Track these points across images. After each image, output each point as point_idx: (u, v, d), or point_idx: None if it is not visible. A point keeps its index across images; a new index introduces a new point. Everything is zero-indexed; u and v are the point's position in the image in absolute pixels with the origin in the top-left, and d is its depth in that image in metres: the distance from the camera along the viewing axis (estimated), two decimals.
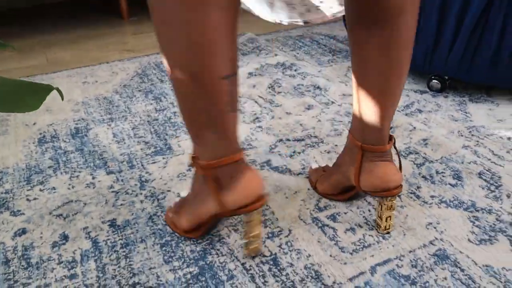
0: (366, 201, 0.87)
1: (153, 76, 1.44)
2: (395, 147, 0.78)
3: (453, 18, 1.14)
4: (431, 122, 1.14)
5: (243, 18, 1.95)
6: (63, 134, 1.13)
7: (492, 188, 0.90)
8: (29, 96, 0.70)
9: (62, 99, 0.66)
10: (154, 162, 1.00)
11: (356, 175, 0.78)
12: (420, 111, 1.19)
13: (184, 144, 1.07)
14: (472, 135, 1.07)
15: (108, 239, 0.80)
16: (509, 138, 1.05)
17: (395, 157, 0.90)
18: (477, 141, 1.05)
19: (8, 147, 1.09)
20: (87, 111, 1.24)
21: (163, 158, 1.02)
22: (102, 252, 0.77)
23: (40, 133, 1.14)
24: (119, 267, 0.74)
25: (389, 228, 0.80)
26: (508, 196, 0.87)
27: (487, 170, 0.95)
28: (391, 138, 0.77)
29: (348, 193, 0.86)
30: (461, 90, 1.29)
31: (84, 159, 1.03)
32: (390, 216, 0.78)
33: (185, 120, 0.67)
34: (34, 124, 1.19)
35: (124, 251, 0.77)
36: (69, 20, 2.11)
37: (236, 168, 0.67)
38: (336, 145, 1.05)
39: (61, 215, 0.86)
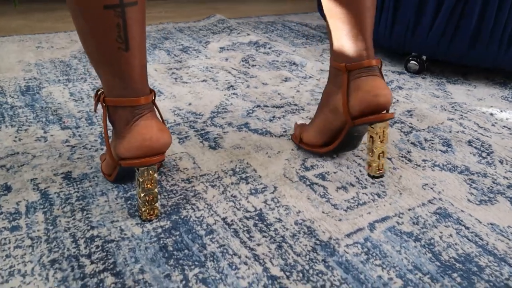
0: (356, 162, 0.79)
1: None
2: (380, 72, 0.70)
3: None
4: (412, 97, 1.09)
5: (211, 5, 1.87)
6: (11, 90, 0.99)
7: (484, 155, 0.85)
8: None
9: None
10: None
11: (344, 98, 0.69)
12: (400, 88, 1.14)
13: None
14: (455, 109, 1.03)
15: (61, 192, 0.67)
16: (491, 114, 1.02)
17: None
18: (461, 115, 1.00)
19: None
20: (40, 72, 1.10)
21: None
22: (53, 204, 0.65)
23: None
24: (74, 219, 0.62)
25: (382, 170, 0.71)
26: (501, 162, 0.83)
27: (476, 139, 0.90)
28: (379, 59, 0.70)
29: (336, 140, 0.75)
30: (438, 73, 1.26)
31: (35, 115, 0.89)
32: (383, 152, 0.70)
33: (87, 55, 0.60)
34: None
35: (80, 204, 0.65)
36: None
37: (134, 114, 0.58)
38: None
39: (4, 166, 0.73)
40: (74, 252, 0.56)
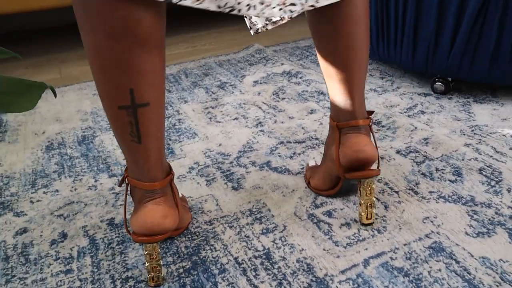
0: None
1: None
2: (371, 130, 0.79)
3: (452, 17, 1.14)
4: (433, 122, 1.13)
5: (249, 32, 1.98)
6: (70, 141, 1.17)
7: (493, 183, 0.88)
8: (23, 95, 0.73)
9: (55, 96, 0.69)
10: None
11: (336, 153, 0.78)
12: (422, 112, 1.18)
13: (186, 148, 1.08)
14: (475, 133, 1.06)
15: (105, 237, 0.81)
16: None
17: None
18: (479, 139, 1.03)
19: (17, 154, 1.12)
20: (95, 120, 1.27)
21: None
22: (98, 248, 0.79)
23: (48, 141, 1.18)
24: (113, 262, 0.75)
25: (370, 218, 0.78)
26: (509, 191, 0.86)
27: (488, 166, 0.93)
28: (368, 117, 0.79)
29: (337, 186, 0.85)
30: (466, 91, 1.28)
31: (89, 164, 1.05)
32: (370, 204, 0.77)
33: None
34: (43, 133, 1.22)
35: (119, 248, 0.78)
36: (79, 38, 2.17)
37: (144, 196, 0.66)
38: None
39: (62, 215, 0.88)
40: None
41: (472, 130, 1.07)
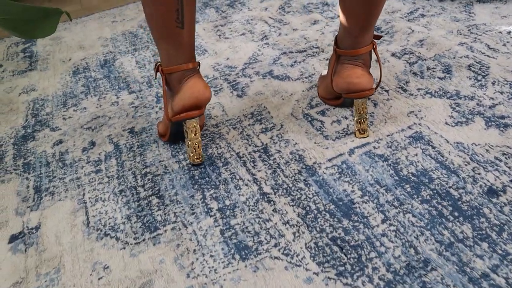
0: None
1: None
2: (375, 53, 0.83)
3: None
4: (431, 25, 1.16)
5: None
6: (94, 65, 1.28)
7: (479, 77, 0.94)
8: (43, 22, 0.83)
9: (70, 19, 0.78)
10: None
11: (329, 78, 0.86)
12: (423, 15, 1.21)
13: None
14: (471, 32, 1.09)
15: (127, 142, 0.94)
16: (508, 32, 1.07)
17: (376, 64, 0.96)
18: (475, 38, 1.07)
19: (48, 80, 1.25)
20: (115, 45, 1.37)
21: None
22: (121, 152, 0.91)
23: (75, 67, 1.29)
24: (135, 162, 0.88)
25: (364, 134, 0.84)
26: (493, 83, 0.91)
27: (477, 62, 0.98)
28: (371, 44, 0.82)
29: (339, 99, 0.92)
30: None
31: (110, 84, 1.16)
32: (363, 119, 0.83)
33: (151, 33, 0.80)
34: (70, 60, 1.34)
35: (139, 150, 0.91)
36: None
37: (183, 75, 0.78)
38: None
39: (90, 127, 1.01)
40: (134, 184, 0.82)
41: (469, 30, 1.11)
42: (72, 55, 1.36)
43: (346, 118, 0.89)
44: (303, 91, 0.99)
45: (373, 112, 0.90)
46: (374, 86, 0.93)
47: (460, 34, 1.10)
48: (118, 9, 1.65)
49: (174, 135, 0.88)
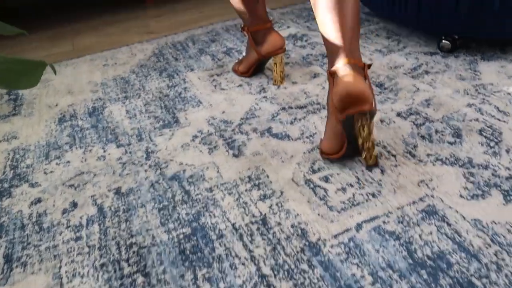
0: (360, 162, 0.88)
1: (168, 55, 1.49)
2: (365, 74, 0.81)
3: None
4: (437, 82, 1.12)
5: None
6: (81, 113, 1.21)
7: (492, 144, 0.88)
8: (26, 73, 0.76)
9: (55, 73, 0.72)
10: (161, 135, 1.05)
11: (331, 96, 0.81)
12: (427, 72, 1.17)
13: (191, 116, 1.11)
14: (478, 92, 1.05)
15: (112, 205, 0.86)
16: None
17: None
18: (483, 99, 1.02)
19: (32, 127, 1.17)
20: (105, 91, 1.31)
21: (170, 131, 1.06)
22: (105, 216, 0.83)
23: (61, 113, 1.22)
24: (119, 229, 0.80)
25: (375, 162, 0.84)
26: (508, 151, 0.86)
27: (488, 127, 0.93)
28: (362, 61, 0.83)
29: (343, 147, 0.85)
30: (474, 49, 1.25)
31: (98, 135, 1.09)
32: (372, 144, 0.81)
33: (235, 9, 1.17)
34: (56, 105, 1.27)
35: (125, 215, 0.83)
36: (95, 8, 2.19)
37: (266, 31, 1.17)
38: None
39: (73, 185, 0.93)
40: (117, 257, 0.74)
41: (476, 90, 1.06)
42: (59, 100, 1.30)
43: (351, 185, 0.83)
44: (304, 152, 0.93)
45: (380, 180, 0.83)
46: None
47: (467, 94, 1.05)
48: (110, 52, 1.60)
49: (258, 68, 1.25)
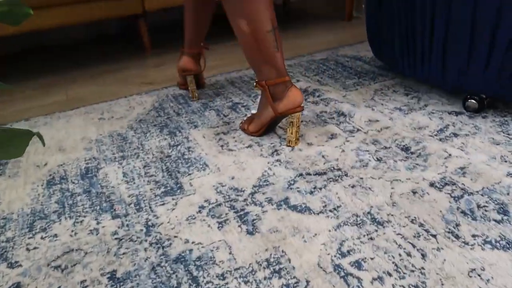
0: (396, 243, 0.76)
1: (169, 110, 1.38)
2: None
3: (487, 31, 1.02)
4: (468, 147, 1.01)
5: None
6: (73, 175, 1.08)
7: None
8: (11, 142, 0.65)
9: (44, 144, 0.60)
10: (163, 204, 0.93)
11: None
12: (455, 135, 1.07)
13: (196, 182, 0.99)
14: None
15: None
16: None
17: None
18: None
19: (16, 191, 1.04)
20: (100, 149, 1.19)
21: (173, 199, 0.94)
22: None
23: (50, 175, 1.09)
24: None
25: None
26: None
27: None
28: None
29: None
30: (502, 108, 1.16)
31: (91, 202, 0.97)
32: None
33: (249, 60, 1.08)
34: (45, 164, 1.14)
35: None
36: (91, 56, 2.11)
37: (285, 86, 1.06)
38: (361, 178, 0.95)
39: (60, 266, 0.79)
40: None
41: None
42: (49, 158, 1.17)
43: (389, 274, 0.70)
44: (329, 230, 0.81)
45: (423, 268, 0.71)
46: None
47: (505, 161, 0.95)
48: (107, 104, 1.50)
49: (270, 126, 1.15)
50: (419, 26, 1.17)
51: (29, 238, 0.88)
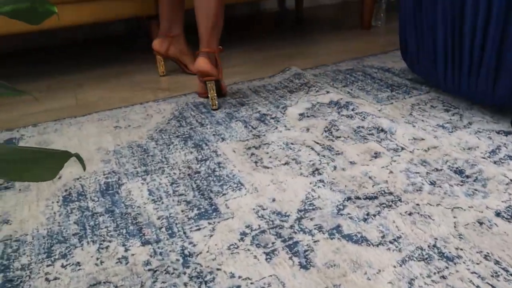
0: (473, 283, 0.67)
1: (192, 119, 1.29)
2: (216, 58, 1.32)
3: None
4: None
5: (286, 51, 1.81)
6: (92, 191, 0.98)
7: None
8: (43, 164, 0.55)
9: (84, 169, 0.50)
10: (198, 229, 0.83)
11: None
12: (510, 157, 0.99)
13: (233, 204, 0.89)
14: None
15: None
16: None
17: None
18: None
19: (28, 207, 0.94)
20: (119, 162, 1.08)
21: (209, 224, 0.84)
22: None
23: (66, 190, 0.99)
24: None
25: (217, 106, 1.33)
26: None
27: None
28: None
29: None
30: None
31: (115, 224, 0.86)
32: (214, 96, 1.32)
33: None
34: (59, 178, 1.04)
35: None
36: (99, 57, 2.00)
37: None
38: (417, 204, 0.86)
39: None
40: None
41: None
42: (63, 171, 1.07)
43: None
44: (394, 266, 0.72)
45: None
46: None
47: None
48: (121, 110, 1.39)
49: None
50: (468, 35, 1.09)
51: (47, 265, 0.77)
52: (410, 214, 0.84)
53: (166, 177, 1.01)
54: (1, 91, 0.77)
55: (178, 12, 1.57)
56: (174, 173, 1.02)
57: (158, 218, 0.87)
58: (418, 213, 0.84)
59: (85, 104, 1.49)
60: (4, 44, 2.21)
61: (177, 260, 0.76)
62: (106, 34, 2.39)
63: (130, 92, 1.57)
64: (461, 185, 0.91)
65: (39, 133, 1.28)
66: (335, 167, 1.00)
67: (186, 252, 0.78)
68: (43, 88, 1.66)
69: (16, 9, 0.67)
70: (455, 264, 0.72)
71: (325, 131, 1.15)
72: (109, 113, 1.38)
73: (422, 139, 1.09)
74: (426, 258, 0.73)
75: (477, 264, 0.71)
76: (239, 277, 0.71)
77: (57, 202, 0.95)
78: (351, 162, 1.01)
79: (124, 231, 0.84)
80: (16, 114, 1.44)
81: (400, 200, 0.88)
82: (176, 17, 1.57)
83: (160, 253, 0.78)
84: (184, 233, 0.82)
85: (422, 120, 1.19)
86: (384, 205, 0.86)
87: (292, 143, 1.11)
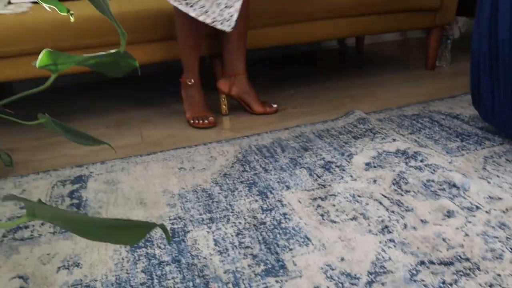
0: None
1: (255, 163, 1.29)
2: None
3: None
4: None
5: (346, 92, 1.79)
6: (158, 237, 0.99)
7: None
8: (128, 232, 0.56)
9: (169, 241, 0.51)
10: (265, 287, 0.81)
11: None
12: None
13: (301, 261, 0.87)
14: None
15: None
16: None
17: None
18: None
19: (98, 251, 0.96)
20: (184, 207, 1.09)
21: (277, 282, 0.83)
22: None
23: None
24: None
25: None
26: None
27: None
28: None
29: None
30: None
31: (182, 276, 0.86)
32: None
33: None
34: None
35: None
36: (163, 92, 2.07)
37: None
38: (498, 275, 0.80)
39: None
40: None
41: None
42: (130, 213, 1.09)
43: None
44: None
45: None
46: None
47: None
48: (185, 150, 1.42)
49: None
50: None
51: None
52: (490, 286, 0.78)
53: (232, 226, 1.00)
54: (83, 141, 0.80)
55: (240, 51, 1.60)
56: (240, 223, 1.01)
57: (225, 272, 0.86)
58: (500, 285, 0.78)
59: (150, 143, 1.53)
60: (74, 77, 2.33)
61: None
62: (175, 69, 2.47)
63: (193, 130, 1.60)
64: None
65: (107, 171, 1.32)
66: (405, 225, 0.96)
67: None
68: (111, 124, 1.73)
69: (100, 62, 0.71)
70: None
71: (393, 184, 1.12)
72: (174, 153, 1.41)
73: (499, 198, 1.03)
74: None
75: None
76: None
77: (125, 247, 0.97)
78: (422, 221, 0.97)
79: (191, 284, 0.84)
80: (84, 150, 1.50)
81: (478, 268, 0.82)
82: (239, 56, 1.60)
83: None
84: None
85: (498, 176, 1.13)
86: (461, 273, 0.81)
87: (359, 196, 1.08)
